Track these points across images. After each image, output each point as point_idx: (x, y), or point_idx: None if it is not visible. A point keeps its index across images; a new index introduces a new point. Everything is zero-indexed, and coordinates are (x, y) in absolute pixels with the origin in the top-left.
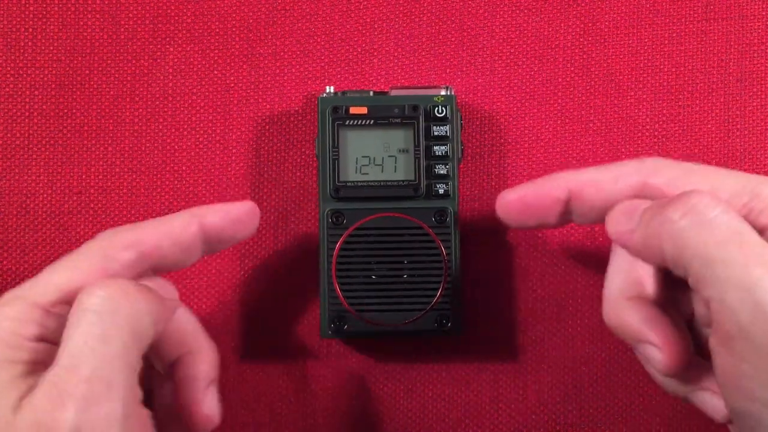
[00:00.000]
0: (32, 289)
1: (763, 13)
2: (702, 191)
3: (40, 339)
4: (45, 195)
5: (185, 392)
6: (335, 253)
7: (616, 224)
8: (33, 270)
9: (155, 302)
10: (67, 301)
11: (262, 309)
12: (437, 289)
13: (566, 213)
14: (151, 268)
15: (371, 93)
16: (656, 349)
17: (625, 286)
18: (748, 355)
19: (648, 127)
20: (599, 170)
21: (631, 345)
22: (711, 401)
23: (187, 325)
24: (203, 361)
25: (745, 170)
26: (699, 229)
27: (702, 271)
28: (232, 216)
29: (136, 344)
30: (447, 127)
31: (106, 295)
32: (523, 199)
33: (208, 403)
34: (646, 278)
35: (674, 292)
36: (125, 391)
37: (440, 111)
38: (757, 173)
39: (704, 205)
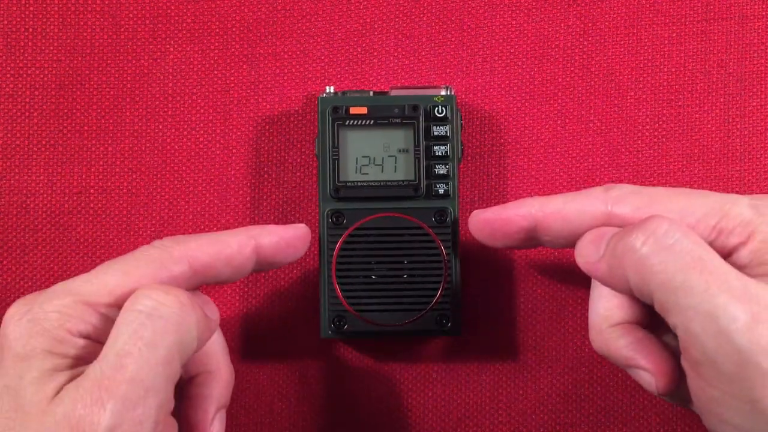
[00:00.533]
0: (84, 287)
1: (763, 13)
2: (662, 216)
3: (85, 336)
4: (45, 195)
5: (195, 411)
6: (335, 253)
7: (584, 255)
8: (33, 270)
9: (202, 317)
10: (117, 304)
11: (262, 309)
12: (437, 289)
13: (532, 239)
14: (199, 283)
15: (371, 93)
16: (648, 373)
17: (609, 312)
18: (715, 381)
19: (648, 127)
20: (566, 199)
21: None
22: None
23: (214, 344)
24: (220, 383)
25: (744, 170)
26: (660, 256)
27: (665, 299)
28: (287, 240)
29: (179, 354)
30: (447, 127)
31: (160, 300)
32: (490, 223)
33: (216, 429)
34: (630, 301)
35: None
36: (161, 399)
37: (440, 111)
38: (757, 173)
39: (664, 231)
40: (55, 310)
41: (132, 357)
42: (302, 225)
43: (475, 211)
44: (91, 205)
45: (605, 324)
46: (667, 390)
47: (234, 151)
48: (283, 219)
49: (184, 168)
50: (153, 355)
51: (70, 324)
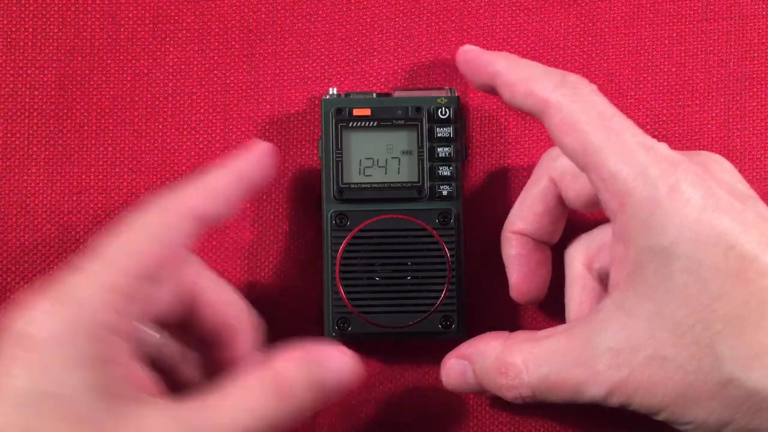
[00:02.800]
0: (109, 276)
1: (763, 13)
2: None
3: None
4: (45, 195)
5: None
6: (339, 254)
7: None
8: (33, 270)
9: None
10: (138, 282)
11: (265, 311)
12: (441, 291)
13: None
14: (204, 228)
15: (374, 95)
16: (511, 282)
17: (513, 218)
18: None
19: (648, 127)
20: (524, 76)
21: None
22: None
23: (225, 305)
24: (244, 339)
25: (745, 170)
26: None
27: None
28: (260, 160)
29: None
30: (450, 129)
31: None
32: (470, 63)
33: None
34: (534, 215)
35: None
36: None
37: (443, 112)
38: (758, 173)
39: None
40: (87, 303)
41: None
42: (261, 144)
43: (466, 47)
44: (91, 205)
45: (508, 228)
46: (518, 298)
47: (234, 151)
48: (285, 219)
49: (184, 168)
50: None
51: (102, 317)
